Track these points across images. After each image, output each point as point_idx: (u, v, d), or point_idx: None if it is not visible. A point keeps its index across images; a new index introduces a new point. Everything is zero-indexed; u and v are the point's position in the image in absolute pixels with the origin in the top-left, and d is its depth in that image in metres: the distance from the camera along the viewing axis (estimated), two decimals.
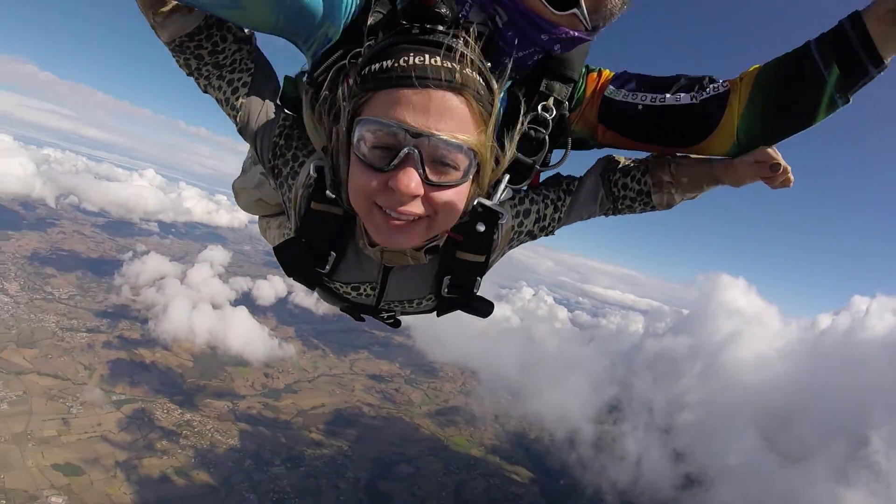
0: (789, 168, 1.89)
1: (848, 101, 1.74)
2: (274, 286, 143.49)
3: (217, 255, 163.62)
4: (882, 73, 1.66)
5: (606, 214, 2.28)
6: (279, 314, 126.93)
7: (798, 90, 1.79)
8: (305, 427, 79.98)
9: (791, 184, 1.90)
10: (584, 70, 2.14)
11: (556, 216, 2.14)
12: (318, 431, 79.97)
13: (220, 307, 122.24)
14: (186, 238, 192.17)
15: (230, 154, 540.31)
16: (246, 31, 1.97)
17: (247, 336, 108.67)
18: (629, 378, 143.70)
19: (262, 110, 1.94)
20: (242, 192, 2.74)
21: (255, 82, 1.95)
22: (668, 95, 2.00)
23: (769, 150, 1.88)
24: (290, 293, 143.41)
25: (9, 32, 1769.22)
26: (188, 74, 1.98)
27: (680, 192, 2.13)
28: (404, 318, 2.49)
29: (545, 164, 2.09)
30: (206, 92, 1.99)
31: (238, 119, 1.96)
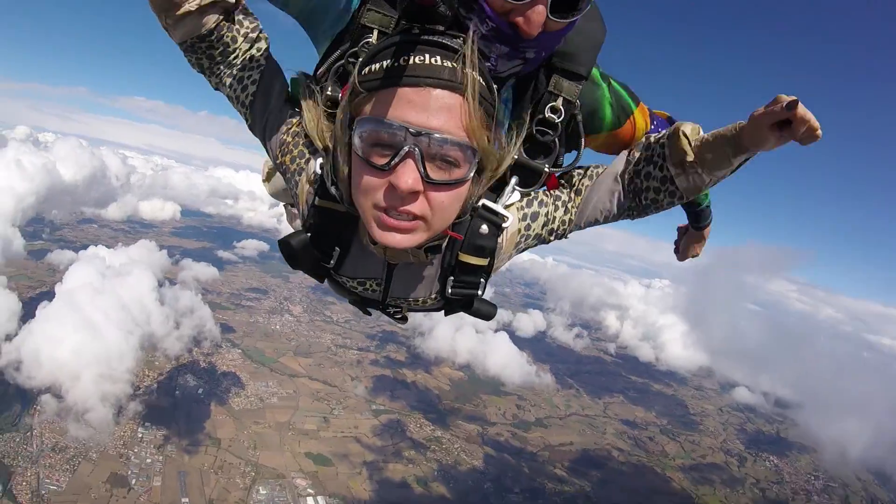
0: (809, 114, 1.51)
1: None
2: (534, 320, 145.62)
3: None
4: None
5: (631, 216, 2.10)
6: (536, 349, 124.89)
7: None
8: (550, 462, 77.06)
9: (818, 135, 1.52)
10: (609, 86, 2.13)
11: (567, 218, 2.06)
12: (563, 468, 76.55)
13: (483, 332, 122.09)
14: None
15: None
16: (256, 32, 1.97)
17: (505, 360, 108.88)
18: None
19: (271, 108, 1.97)
20: (271, 179, 2.81)
21: (264, 80, 1.96)
22: None
23: (780, 96, 1.59)
24: (549, 327, 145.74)
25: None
26: (199, 72, 1.99)
27: (707, 172, 1.85)
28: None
29: (557, 166, 2.03)
30: (217, 89, 2.01)
31: (248, 116, 2.00)
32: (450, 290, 1.94)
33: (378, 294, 2.05)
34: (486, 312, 2.05)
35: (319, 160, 1.79)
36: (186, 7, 1.73)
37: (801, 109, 1.47)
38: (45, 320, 72.54)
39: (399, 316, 2.34)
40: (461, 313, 2.19)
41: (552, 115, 1.92)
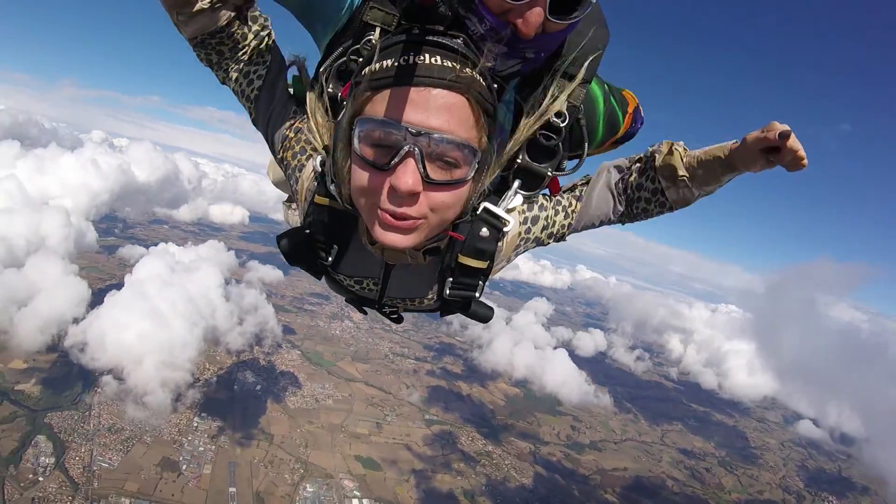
0: (798, 144, 1.69)
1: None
2: (595, 339, 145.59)
3: (541, 306, 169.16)
4: None
5: (623, 222, 2.22)
6: (595, 370, 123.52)
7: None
8: (602, 486, 75.82)
9: (804, 164, 1.71)
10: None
11: (567, 223, 2.12)
12: (614, 493, 75.24)
13: (542, 349, 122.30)
14: (512, 296, 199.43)
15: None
16: (265, 29, 2.00)
17: (563, 378, 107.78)
18: None
19: (275, 103, 1.99)
20: (274, 168, 2.77)
21: (270, 76, 1.99)
22: None
23: (774, 123, 1.74)
24: (610, 348, 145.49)
25: None
26: (207, 66, 2.02)
27: (697, 186, 2.00)
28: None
29: (559, 170, 2.07)
30: (223, 83, 2.03)
31: (252, 110, 2.03)
32: (448, 292, 1.94)
33: (375, 294, 2.06)
34: (482, 315, 2.06)
35: (320, 157, 1.81)
36: (200, 5, 1.75)
37: (793, 140, 1.62)
38: (112, 306, 75.66)
39: (394, 316, 2.33)
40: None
41: (556, 120, 1.90)
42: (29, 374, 60.30)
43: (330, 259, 1.93)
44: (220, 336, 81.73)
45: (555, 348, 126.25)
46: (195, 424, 60.71)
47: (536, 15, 1.59)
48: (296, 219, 2.46)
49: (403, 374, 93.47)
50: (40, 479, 46.79)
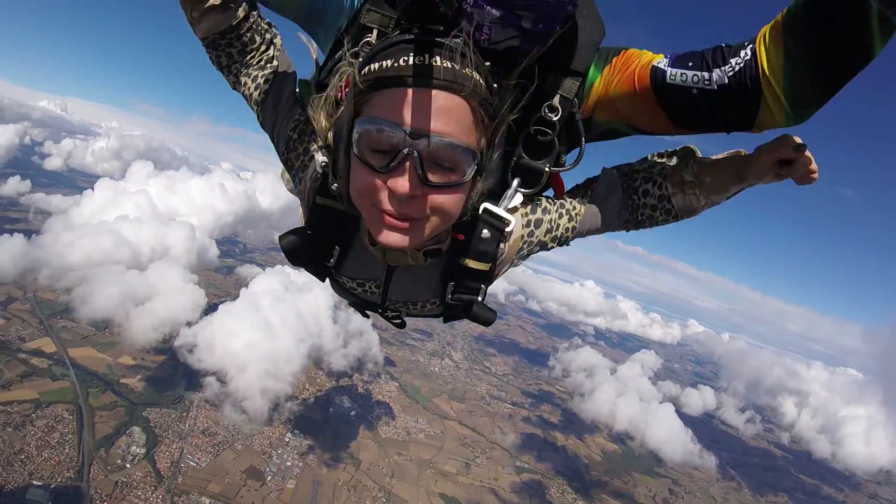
0: (811, 157, 1.73)
1: None
2: (704, 397, 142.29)
3: (649, 359, 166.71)
4: None
5: (627, 228, 2.20)
6: (701, 432, 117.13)
7: (834, 18, 1.43)
8: None
9: (814, 178, 1.74)
10: (604, 54, 2.01)
11: (571, 226, 2.08)
12: None
13: (647, 402, 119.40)
14: (618, 348, 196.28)
15: (666, 273, 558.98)
16: (271, 32, 2.08)
17: (668, 434, 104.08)
18: None
19: (281, 106, 2.03)
20: (286, 173, 2.68)
21: (277, 79, 2.04)
22: (713, 75, 1.70)
23: (789, 136, 1.75)
24: (719, 408, 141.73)
25: None
26: (218, 70, 2.11)
27: (705, 195, 2.00)
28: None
29: (559, 166, 2.03)
30: (234, 89, 2.11)
31: (259, 113, 2.08)
32: (450, 295, 1.96)
33: (377, 296, 2.08)
34: (485, 318, 2.03)
35: (322, 159, 1.83)
36: (211, 1, 1.85)
37: (806, 154, 1.66)
38: (226, 314, 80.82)
39: (398, 321, 2.36)
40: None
41: (550, 114, 1.88)
42: (136, 371, 64.48)
43: (332, 261, 1.95)
44: (324, 356, 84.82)
45: (660, 403, 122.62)
46: (287, 440, 62.21)
47: None
48: (289, 180, 2.47)
49: (498, 417, 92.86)
50: (127, 465, 49.22)
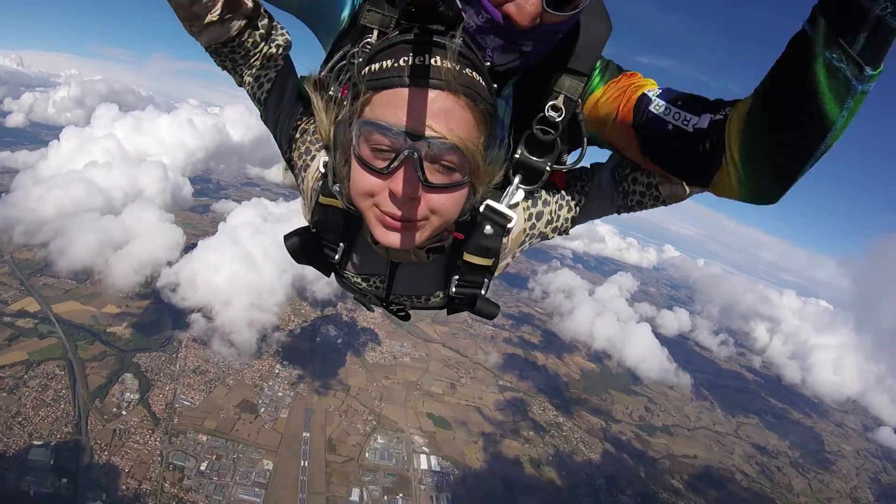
0: None
1: (857, 61, 1.20)
2: (679, 319, 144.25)
3: (626, 281, 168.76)
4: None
5: (619, 212, 2.22)
6: (676, 352, 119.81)
7: (786, 82, 1.34)
8: (669, 472, 74.19)
9: None
10: (606, 65, 2.03)
11: (570, 216, 2.12)
12: (681, 481, 73.42)
13: (624, 322, 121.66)
14: (595, 272, 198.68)
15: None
16: (275, 33, 2.05)
17: (644, 353, 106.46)
18: None
19: (283, 104, 2.05)
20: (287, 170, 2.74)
21: (279, 78, 2.04)
22: (692, 118, 1.68)
23: None
24: (693, 329, 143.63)
25: None
26: (224, 70, 2.11)
27: (689, 184, 2.04)
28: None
29: (560, 164, 2.05)
30: (240, 86, 2.10)
31: (262, 111, 2.09)
32: (453, 290, 1.98)
33: (382, 291, 2.12)
34: (488, 312, 2.10)
35: (324, 158, 1.86)
36: (209, 18, 1.82)
37: None
38: (205, 250, 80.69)
39: (402, 313, 2.39)
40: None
41: (553, 114, 1.89)
42: (121, 318, 64.51)
43: (337, 257, 1.98)
44: (308, 285, 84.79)
45: (637, 323, 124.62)
46: (276, 371, 63.36)
47: (532, 5, 1.58)
48: (291, 179, 2.43)
49: (481, 339, 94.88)
50: (123, 412, 49.89)
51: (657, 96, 1.77)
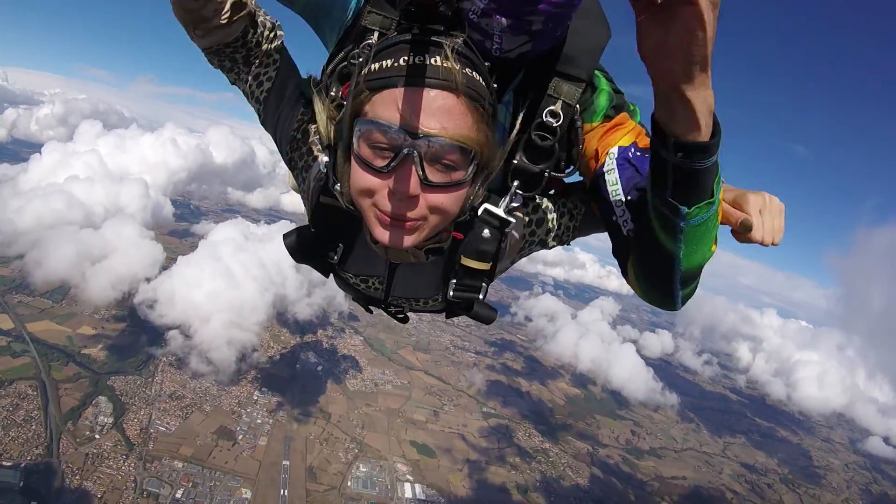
0: (769, 231, 1.63)
1: (671, 204, 1.39)
2: (661, 341, 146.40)
3: (608, 305, 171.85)
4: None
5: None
6: (660, 375, 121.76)
7: (638, 225, 1.63)
8: (659, 493, 74.99)
9: (770, 244, 1.65)
10: (614, 95, 1.99)
11: (571, 225, 2.11)
12: (671, 502, 74.66)
13: (609, 343, 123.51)
14: (576, 299, 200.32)
15: None
16: (274, 31, 2.02)
17: (630, 373, 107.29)
18: None
19: (283, 105, 2.03)
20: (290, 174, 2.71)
21: (279, 78, 2.02)
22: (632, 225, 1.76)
23: (753, 196, 1.68)
24: (676, 351, 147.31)
25: None
26: (218, 69, 2.08)
27: None
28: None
29: (559, 172, 2.03)
30: (234, 84, 2.08)
31: (261, 111, 2.07)
32: (451, 293, 1.98)
33: (380, 293, 2.11)
34: (485, 316, 2.09)
35: (325, 158, 1.83)
36: (217, 22, 1.77)
37: (753, 233, 1.59)
38: (185, 266, 79.91)
39: (401, 315, 2.39)
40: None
41: (551, 119, 1.87)
42: (97, 340, 62.93)
43: (336, 258, 1.98)
44: (289, 305, 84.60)
45: (622, 343, 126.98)
46: (255, 398, 62.36)
47: None
48: (292, 180, 2.42)
49: (463, 366, 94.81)
50: (97, 436, 48.62)
51: (617, 168, 1.76)
